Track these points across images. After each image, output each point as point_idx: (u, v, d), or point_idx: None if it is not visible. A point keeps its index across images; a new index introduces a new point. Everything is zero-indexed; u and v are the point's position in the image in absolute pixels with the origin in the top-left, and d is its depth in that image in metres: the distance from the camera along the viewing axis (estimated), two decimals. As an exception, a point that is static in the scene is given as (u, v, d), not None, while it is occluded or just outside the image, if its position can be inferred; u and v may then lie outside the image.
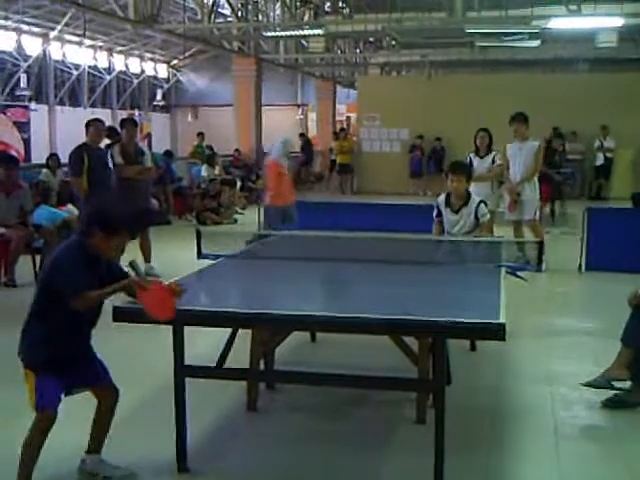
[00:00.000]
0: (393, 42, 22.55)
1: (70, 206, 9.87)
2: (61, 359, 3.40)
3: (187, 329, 3.60)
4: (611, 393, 4.60)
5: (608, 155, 17.65)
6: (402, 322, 3.30)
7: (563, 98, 17.15)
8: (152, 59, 31.13)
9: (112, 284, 3.38)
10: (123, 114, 25.84)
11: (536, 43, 19.12)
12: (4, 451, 3.71)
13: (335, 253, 5.09)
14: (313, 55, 23.90)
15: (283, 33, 18.54)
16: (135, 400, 4.47)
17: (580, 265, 8.84)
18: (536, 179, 9.07)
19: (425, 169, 18.96)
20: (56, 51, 25.28)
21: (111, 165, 8.08)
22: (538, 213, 9.13)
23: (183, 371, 3.63)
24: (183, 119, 32.81)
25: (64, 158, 10.11)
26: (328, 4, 20.67)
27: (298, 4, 19.54)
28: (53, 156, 12.64)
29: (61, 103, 26.27)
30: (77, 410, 3.60)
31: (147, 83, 31.34)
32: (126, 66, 29.38)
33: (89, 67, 27.17)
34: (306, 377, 3.99)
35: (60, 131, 24.69)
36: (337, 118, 29.20)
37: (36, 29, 23.72)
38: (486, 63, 24.38)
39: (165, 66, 32.41)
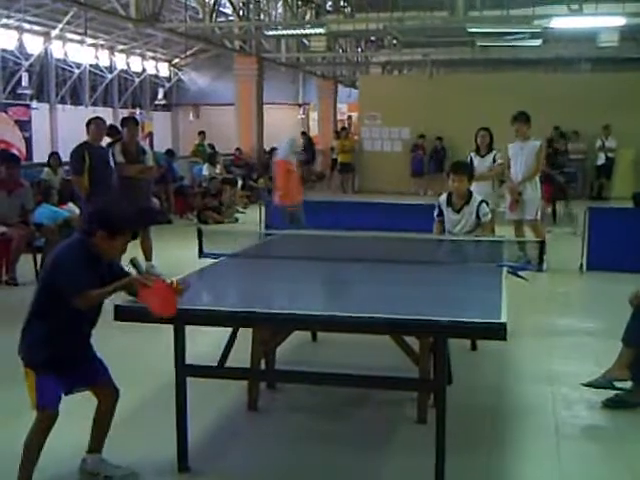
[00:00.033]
0: (394, 41, 22.53)
1: (71, 205, 9.86)
2: (61, 358, 3.40)
3: (188, 328, 3.61)
4: (612, 393, 4.60)
5: (610, 155, 17.64)
6: (403, 322, 3.30)
7: (565, 97, 17.15)
8: (154, 58, 31.13)
9: (113, 283, 3.38)
10: (124, 113, 25.84)
11: (538, 42, 19.10)
12: (5, 450, 3.71)
13: (336, 252, 5.09)
14: (314, 54, 23.87)
15: (285, 32, 18.54)
16: (136, 399, 4.48)
17: (581, 265, 8.84)
18: (537, 178, 9.07)
19: (426, 168, 18.96)
20: (58, 50, 25.27)
21: (112, 164, 8.08)
22: (539, 213, 9.12)
23: (184, 370, 3.63)
24: (184, 118, 32.80)
25: (65, 157, 10.11)
26: (329, 3, 20.64)
27: (299, 3, 19.49)
28: (54, 155, 12.63)
29: (62, 102, 26.25)
30: (77, 409, 3.60)
31: (149, 82, 31.32)
32: (127, 65, 29.37)
33: (90, 66, 27.15)
34: (307, 377, 3.99)
35: (61, 130, 24.69)
36: (338, 117, 29.21)
37: (38, 28, 23.71)
38: (488, 62, 24.38)
39: (167, 65, 32.40)
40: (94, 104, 27.55)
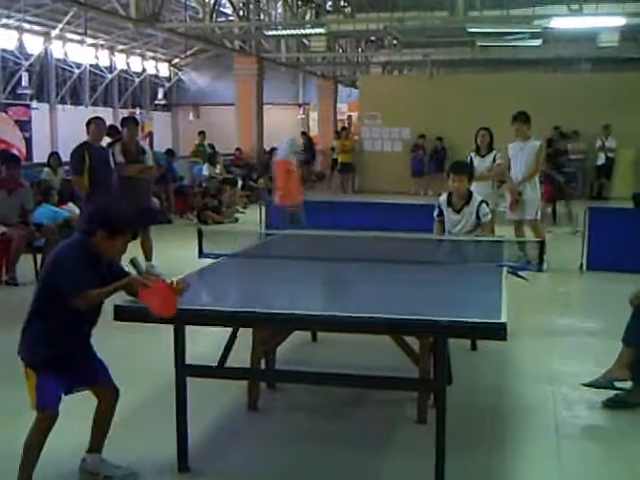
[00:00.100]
0: (395, 41, 22.53)
1: (71, 205, 9.87)
2: (61, 358, 3.40)
3: (188, 328, 3.60)
4: (612, 393, 4.60)
5: (610, 155, 17.63)
6: (403, 322, 3.29)
7: (565, 97, 17.14)
8: (154, 58, 31.14)
9: (113, 283, 3.38)
10: (124, 113, 25.85)
11: (538, 42, 19.10)
12: (5, 450, 3.71)
13: (336, 252, 5.09)
14: (315, 54, 23.89)
15: (285, 32, 18.53)
16: (136, 399, 4.47)
17: (581, 265, 8.84)
18: (537, 178, 9.07)
19: (427, 168, 18.96)
20: (58, 50, 25.29)
21: (112, 164, 8.08)
22: (539, 213, 9.12)
23: (184, 370, 3.63)
24: (184, 118, 32.82)
25: (65, 157, 10.11)
26: (330, 3, 20.65)
27: (299, 3, 19.50)
28: (54, 155, 12.62)
29: (62, 102, 26.26)
30: (77, 409, 3.60)
31: (148, 82, 31.34)
32: (127, 65, 29.39)
33: (90, 66, 27.16)
34: (307, 377, 3.99)
35: (61, 130, 24.70)
36: (338, 117, 29.21)
37: (38, 28, 23.72)
38: (488, 62, 24.38)
39: (167, 65, 32.42)
40: (94, 104, 27.56)
